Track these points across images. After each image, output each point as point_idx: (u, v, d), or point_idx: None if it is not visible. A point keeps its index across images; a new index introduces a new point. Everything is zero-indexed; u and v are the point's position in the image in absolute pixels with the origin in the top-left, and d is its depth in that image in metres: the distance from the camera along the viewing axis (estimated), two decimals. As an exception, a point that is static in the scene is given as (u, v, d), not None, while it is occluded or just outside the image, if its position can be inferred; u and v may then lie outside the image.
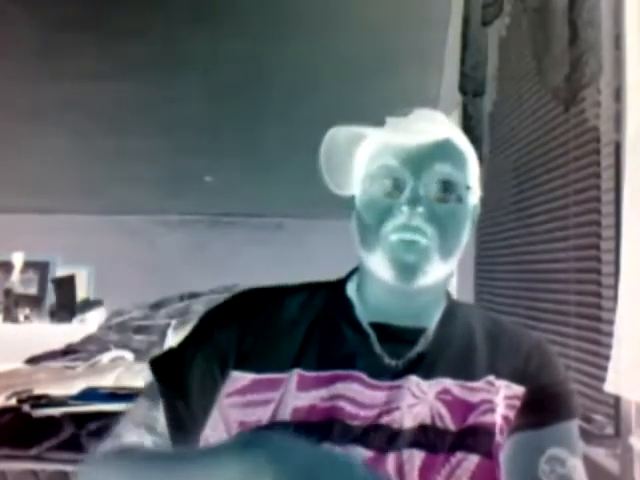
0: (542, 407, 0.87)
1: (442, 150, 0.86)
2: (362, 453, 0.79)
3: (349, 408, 0.82)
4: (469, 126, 2.40)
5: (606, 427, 1.51)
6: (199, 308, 3.34)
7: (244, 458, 0.67)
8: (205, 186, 4.93)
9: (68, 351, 3.21)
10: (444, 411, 0.83)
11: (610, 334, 1.35)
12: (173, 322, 3.17)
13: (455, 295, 0.97)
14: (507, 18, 2.39)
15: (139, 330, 3.40)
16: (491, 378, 0.87)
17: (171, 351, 0.94)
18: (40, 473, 1.91)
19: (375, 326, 0.89)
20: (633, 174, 1.30)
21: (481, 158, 2.42)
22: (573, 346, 1.75)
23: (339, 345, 0.88)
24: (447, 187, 0.85)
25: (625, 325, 1.27)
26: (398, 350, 0.87)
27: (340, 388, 0.84)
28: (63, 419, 2.00)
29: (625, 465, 1.39)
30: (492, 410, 0.84)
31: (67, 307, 4.77)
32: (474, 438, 0.82)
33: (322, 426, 0.81)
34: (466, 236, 0.89)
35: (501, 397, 0.86)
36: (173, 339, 2.93)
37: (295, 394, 0.84)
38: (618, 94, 1.47)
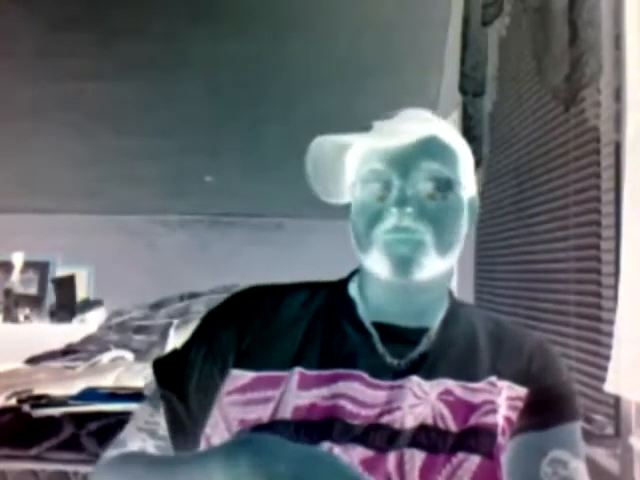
0: (545, 409, 0.87)
1: (427, 147, 0.86)
2: (362, 452, 0.79)
3: (350, 407, 0.82)
4: (469, 126, 2.40)
5: (606, 427, 1.51)
6: (199, 308, 3.34)
7: (229, 464, 0.69)
8: (205, 186, 4.93)
9: (68, 351, 3.20)
10: (446, 412, 0.83)
11: (610, 334, 1.35)
12: (175, 322, 3.17)
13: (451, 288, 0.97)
14: (507, 18, 2.39)
15: (139, 330, 3.40)
16: (493, 379, 0.87)
17: (174, 353, 0.94)
18: (40, 473, 1.91)
19: (377, 326, 0.89)
20: (633, 174, 1.30)
21: (481, 158, 2.44)
22: (573, 346, 1.75)
23: (341, 344, 0.88)
24: (436, 184, 0.85)
25: (625, 325, 1.27)
26: (400, 350, 0.87)
27: (341, 387, 0.84)
28: (63, 419, 2.00)
29: (625, 465, 1.39)
30: (494, 411, 0.84)
31: (67, 307, 4.77)
32: (475, 439, 0.82)
33: (323, 425, 0.81)
34: (463, 231, 0.90)
35: (503, 398, 0.86)
36: (175, 338, 2.93)
37: (296, 393, 0.84)
38: (618, 94, 1.47)
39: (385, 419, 0.82)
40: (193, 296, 3.62)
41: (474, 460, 0.80)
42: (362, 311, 0.91)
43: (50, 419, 2.01)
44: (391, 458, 0.79)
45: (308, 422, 0.82)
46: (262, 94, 3.81)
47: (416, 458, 0.79)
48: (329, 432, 0.80)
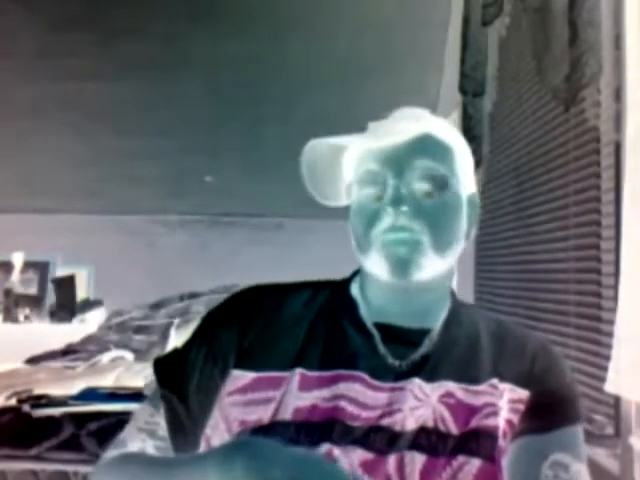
0: (547, 411, 0.86)
1: (421, 145, 0.86)
2: (362, 454, 0.79)
3: (350, 409, 0.82)
4: (469, 126, 2.40)
5: (606, 427, 1.51)
6: (199, 308, 3.34)
7: (225, 467, 0.69)
8: (205, 186, 4.93)
9: (68, 351, 3.20)
10: (447, 414, 0.83)
11: (610, 334, 1.35)
12: (176, 321, 3.17)
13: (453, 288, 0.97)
14: (507, 18, 2.39)
15: (139, 330, 3.39)
16: (495, 381, 0.86)
17: (174, 353, 0.94)
18: (40, 473, 1.91)
19: (379, 326, 0.89)
20: (633, 174, 1.30)
21: (481, 158, 2.43)
22: (573, 346, 1.75)
23: (342, 345, 0.88)
24: (431, 182, 0.85)
25: (625, 325, 1.27)
26: (402, 351, 0.87)
27: (342, 388, 0.83)
28: (63, 419, 2.00)
29: (625, 465, 1.39)
30: (495, 413, 0.84)
31: (67, 307, 4.76)
32: (476, 441, 0.81)
33: (323, 426, 0.81)
34: (462, 229, 0.89)
35: (505, 401, 0.85)
36: (176, 338, 2.93)
37: (297, 394, 0.83)
38: (618, 94, 1.47)
39: (386, 421, 0.82)
40: (193, 296, 3.62)
41: (475, 463, 0.80)
42: (364, 311, 0.91)
43: (50, 419, 2.01)
44: (391, 460, 0.79)
45: (309, 423, 0.81)
46: (262, 94, 3.81)
47: (416, 461, 0.79)
48: (329, 433, 0.80)
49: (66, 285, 4.86)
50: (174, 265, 5.26)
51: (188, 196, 5.10)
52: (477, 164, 2.06)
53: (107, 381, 2.50)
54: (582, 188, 1.74)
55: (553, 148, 1.98)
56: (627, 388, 1.27)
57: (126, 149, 4.36)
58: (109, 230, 5.30)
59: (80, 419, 2.00)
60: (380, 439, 0.80)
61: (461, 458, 0.80)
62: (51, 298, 5.05)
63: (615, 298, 1.35)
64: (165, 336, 3.07)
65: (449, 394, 0.84)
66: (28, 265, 5.16)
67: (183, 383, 0.89)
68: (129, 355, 3.04)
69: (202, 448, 0.87)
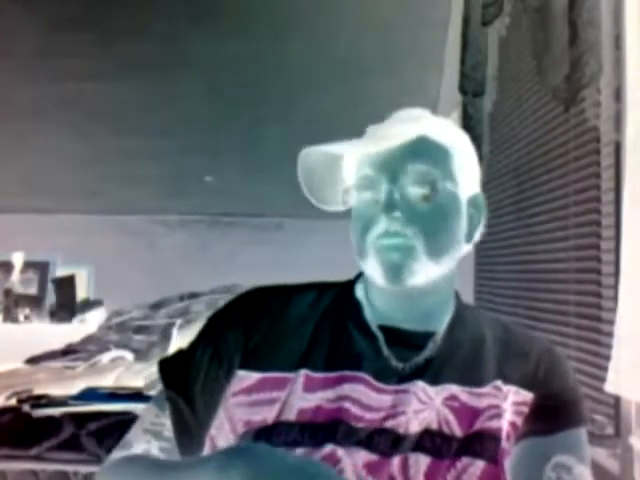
0: (550, 414, 0.86)
1: (416, 149, 0.85)
2: (367, 456, 0.79)
3: (354, 410, 0.82)
4: (469, 126, 2.40)
5: (606, 427, 1.51)
6: (199, 308, 3.34)
7: (222, 475, 0.70)
8: (205, 186, 4.92)
9: (68, 351, 3.20)
10: (451, 417, 0.83)
11: (610, 334, 1.35)
12: (178, 322, 3.17)
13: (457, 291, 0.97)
14: (507, 18, 2.39)
15: (139, 330, 3.39)
16: (499, 383, 0.86)
17: (179, 354, 0.94)
18: (40, 473, 1.91)
19: (384, 329, 0.89)
20: (633, 174, 1.30)
21: (481, 158, 2.43)
22: (573, 346, 1.75)
23: (346, 346, 0.88)
24: (426, 186, 0.84)
25: (625, 325, 1.27)
26: (406, 354, 0.87)
27: (346, 389, 0.84)
28: (63, 419, 2.00)
29: (625, 465, 1.39)
30: (498, 415, 0.84)
31: (67, 307, 4.76)
32: (480, 443, 0.81)
33: (327, 427, 0.81)
34: (461, 231, 0.88)
35: (509, 403, 0.85)
36: (178, 338, 2.92)
37: (301, 395, 0.83)
38: (618, 94, 1.47)
39: (390, 423, 0.82)
40: (193, 296, 3.61)
41: (478, 465, 0.80)
42: (368, 314, 0.91)
43: (50, 419, 2.00)
44: (395, 462, 0.79)
45: (313, 424, 0.82)
46: (262, 94, 3.81)
47: (421, 462, 0.79)
48: (334, 434, 0.80)
49: (66, 285, 4.86)
50: (174, 265, 5.25)
51: (188, 196, 5.10)
52: (477, 164, 2.06)
53: (107, 381, 2.50)
54: (582, 188, 1.74)
55: (553, 148, 1.98)
56: (627, 388, 1.27)
57: (126, 149, 4.35)
58: (109, 230, 5.29)
59: (80, 419, 2.00)
60: (384, 441, 0.80)
61: (465, 460, 0.80)
62: (51, 298, 5.05)
63: (615, 298, 1.35)
64: (166, 336, 3.07)
65: (453, 397, 0.84)
66: (28, 265, 5.15)
67: (189, 384, 0.89)
68: (129, 355, 3.04)
69: (207, 448, 0.87)
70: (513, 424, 0.85)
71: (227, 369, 0.88)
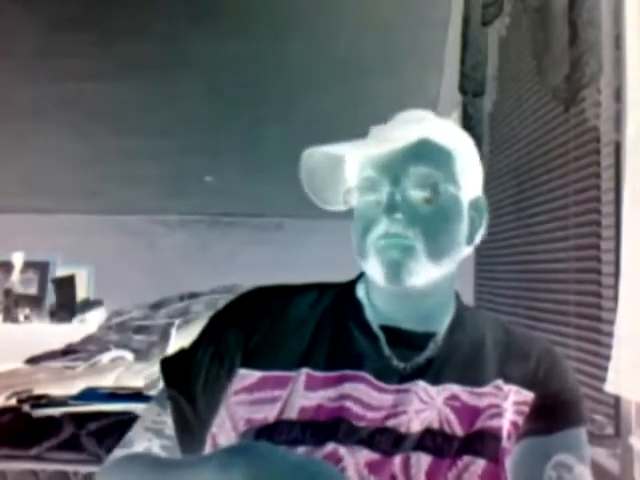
0: (551, 413, 0.87)
1: (417, 152, 0.85)
2: (368, 455, 0.80)
3: (356, 409, 0.83)
4: (469, 126, 2.40)
5: (606, 427, 1.51)
6: (199, 308, 3.34)
7: (223, 474, 0.70)
8: (205, 186, 4.92)
9: (68, 351, 3.20)
10: (452, 417, 0.83)
11: (610, 334, 1.35)
12: (177, 322, 3.17)
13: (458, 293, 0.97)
14: (507, 18, 2.39)
15: (139, 330, 3.39)
16: (499, 382, 0.87)
17: (181, 353, 0.94)
18: (40, 473, 1.91)
19: (384, 329, 0.89)
20: (633, 174, 1.30)
21: (481, 158, 2.43)
22: (573, 346, 1.75)
23: (348, 346, 0.88)
24: (427, 188, 0.84)
25: (625, 325, 1.27)
26: (406, 354, 0.87)
27: (347, 388, 0.84)
28: (63, 419, 2.00)
29: (625, 465, 1.39)
30: (499, 415, 0.84)
31: (67, 307, 4.76)
32: (481, 442, 0.82)
33: (329, 426, 0.81)
34: (462, 233, 0.89)
35: (510, 402, 0.86)
36: (176, 338, 2.92)
37: (303, 393, 0.84)
38: (618, 94, 1.47)
39: (391, 422, 0.82)
40: (193, 296, 3.61)
41: (480, 464, 0.81)
42: (369, 314, 0.91)
43: (50, 419, 2.01)
44: (397, 461, 0.79)
45: (314, 423, 0.82)
46: (262, 94, 3.81)
47: (422, 461, 0.80)
48: (335, 433, 0.81)
49: (66, 285, 4.86)
50: (174, 265, 5.25)
51: (188, 196, 5.10)
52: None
53: (107, 381, 2.50)
54: (582, 188, 1.74)
55: (553, 148, 1.98)
56: (627, 388, 1.27)
57: (126, 149, 4.35)
58: (109, 230, 5.29)
59: (80, 419, 2.00)
60: (385, 440, 0.81)
61: (466, 458, 0.81)
62: (51, 298, 5.05)
63: (615, 298, 1.35)
64: (165, 336, 3.07)
65: (454, 397, 0.85)
66: (28, 265, 5.15)
67: (190, 383, 0.89)
68: (129, 355, 3.04)
69: (208, 446, 0.87)
70: (514, 423, 0.85)
71: (228, 368, 0.88)
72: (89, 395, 2.18)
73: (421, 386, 0.84)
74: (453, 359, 0.88)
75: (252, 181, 4.67)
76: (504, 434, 0.84)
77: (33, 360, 3.05)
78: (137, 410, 1.88)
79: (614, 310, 1.33)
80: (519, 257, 2.32)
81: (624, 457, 1.40)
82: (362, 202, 0.87)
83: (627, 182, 1.32)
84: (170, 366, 0.93)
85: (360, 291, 0.94)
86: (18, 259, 5.01)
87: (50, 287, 5.12)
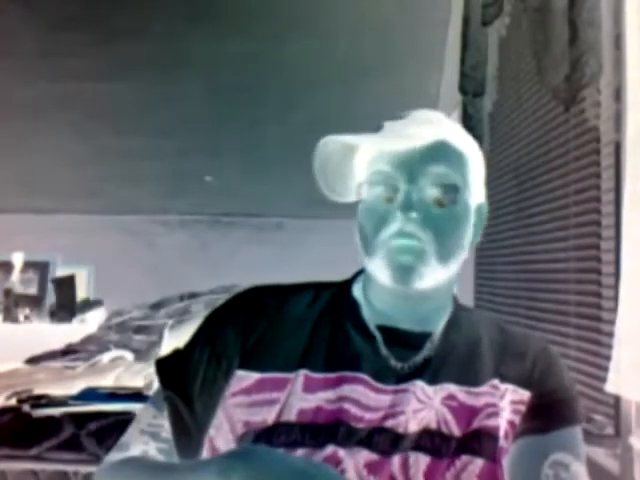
0: (547, 412, 0.87)
1: (436, 152, 0.85)
2: (367, 456, 0.80)
3: (354, 410, 0.82)
4: (469, 126, 2.40)
5: (606, 427, 1.51)
6: (199, 308, 3.35)
7: (223, 478, 0.69)
8: (205, 186, 4.93)
9: (68, 351, 3.21)
10: (449, 417, 0.83)
11: (610, 334, 1.35)
12: (169, 322, 3.17)
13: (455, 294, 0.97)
14: (507, 18, 2.39)
15: (139, 330, 3.40)
16: (496, 382, 0.87)
17: (177, 353, 0.93)
18: (40, 473, 1.91)
19: (381, 329, 0.89)
20: (633, 174, 1.30)
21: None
22: (573, 346, 1.75)
23: (345, 346, 0.88)
24: (443, 190, 0.84)
25: (625, 325, 1.27)
26: (403, 354, 0.87)
27: (346, 390, 0.84)
28: (63, 419, 2.00)
29: (625, 465, 1.39)
30: (496, 414, 0.84)
31: (67, 307, 4.76)
32: (478, 442, 0.82)
33: (328, 428, 0.81)
34: (467, 239, 0.88)
35: (507, 401, 0.86)
36: (169, 339, 2.92)
37: (301, 395, 0.83)
38: (618, 94, 1.47)
39: (389, 423, 0.82)
40: (193, 296, 3.62)
41: (477, 463, 0.81)
42: (366, 313, 0.91)
43: (50, 419, 2.01)
44: (396, 461, 0.80)
45: (313, 425, 0.82)
46: (262, 94, 3.81)
47: (420, 462, 0.80)
48: (334, 435, 0.81)
49: (66, 285, 4.86)
50: (174, 265, 5.26)
51: (188, 196, 5.10)
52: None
53: (107, 381, 2.50)
54: (582, 188, 1.74)
55: (553, 148, 1.98)
56: (627, 388, 1.27)
57: (126, 149, 4.36)
58: (109, 230, 5.30)
59: (80, 419, 2.00)
60: (384, 440, 0.81)
61: (464, 458, 0.81)
62: (51, 298, 5.05)
63: (615, 298, 1.35)
64: (163, 336, 3.07)
65: (451, 397, 0.85)
66: (28, 265, 5.16)
67: (187, 385, 0.89)
68: (129, 355, 3.04)
69: (205, 449, 0.87)
70: (511, 422, 0.86)
71: (226, 370, 0.88)
72: (89, 395, 2.18)
73: (419, 386, 0.84)
74: (450, 359, 0.88)
75: (252, 181, 4.67)
76: (501, 433, 0.84)
77: (33, 360, 3.05)
78: (137, 410, 1.88)
79: (614, 310, 1.33)
80: (519, 257, 2.32)
81: (624, 457, 1.40)
82: (372, 196, 0.86)
83: (627, 182, 1.32)
84: (166, 367, 0.92)
85: (356, 290, 0.94)
86: (18, 259, 5.02)
87: (50, 287, 5.12)
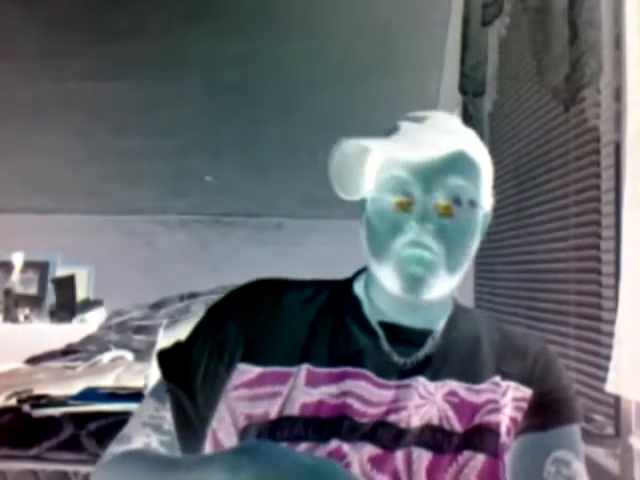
0: (547, 410, 0.88)
1: (454, 164, 0.84)
2: (371, 450, 0.80)
3: (357, 405, 0.83)
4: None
5: (606, 427, 1.51)
6: (199, 308, 3.34)
7: (231, 475, 0.68)
8: (205, 186, 4.92)
9: (68, 351, 3.21)
10: (451, 413, 0.84)
11: (610, 334, 1.35)
12: (164, 322, 3.17)
13: (455, 295, 0.98)
14: (507, 18, 2.39)
15: (139, 330, 3.40)
16: (497, 379, 0.88)
17: (178, 346, 0.93)
18: (40, 473, 1.91)
19: (383, 325, 0.89)
20: (633, 174, 1.30)
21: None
22: (573, 346, 1.75)
23: (347, 342, 0.88)
24: (457, 202, 0.84)
25: (625, 325, 1.27)
26: (406, 350, 0.88)
27: (349, 385, 0.84)
28: (63, 419, 2.00)
29: (625, 465, 1.39)
30: (497, 410, 0.85)
31: (67, 307, 4.76)
32: (480, 437, 0.83)
33: (332, 422, 0.82)
34: (474, 248, 0.89)
35: (509, 398, 0.87)
36: (163, 339, 2.92)
37: (303, 389, 0.84)
38: (618, 94, 1.47)
39: (392, 417, 0.83)
40: (193, 296, 3.62)
41: (479, 459, 0.82)
42: (367, 310, 0.91)
43: (50, 419, 2.00)
44: (399, 456, 0.80)
45: (317, 419, 0.82)
46: (262, 94, 3.81)
47: (423, 457, 0.80)
48: (338, 430, 0.81)
49: (66, 285, 4.86)
50: (174, 265, 5.25)
51: (188, 196, 5.10)
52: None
53: (107, 381, 2.50)
54: (582, 188, 1.74)
55: (553, 148, 1.98)
56: (627, 388, 1.27)
57: (126, 149, 4.35)
58: (109, 230, 5.29)
59: (80, 419, 2.00)
60: (387, 435, 0.81)
61: (466, 454, 0.82)
62: (51, 298, 5.05)
63: (615, 298, 1.35)
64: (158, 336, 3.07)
65: (453, 393, 0.86)
66: (28, 265, 5.15)
67: (189, 378, 0.89)
68: (129, 355, 3.04)
69: (208, 441, 0.87)
70: (513, 419, 0.87)
71: (228, 362, 0.88)
72: (89, 395, 2.18)
73: (421, 382, 0.85)
74: (451, 356, 0.89)
75: (252, 181, 4.67)
76: (503, 429, 0.85)
77: (33, 360, 3.05)
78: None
79: (614, 310, 1.33)
80: (519, 257, 2.32)
81: (624, 457, 1.40)
82: (386, 201, 0.85)
83: (627, 182, 1.32)
84: (168, 360, 0.92)
85: (357, 288, 0.95)
86: (18, 259, 5.01)
87: (50, 287, 5.11)
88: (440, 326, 0.91)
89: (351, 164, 0.87)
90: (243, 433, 0.83)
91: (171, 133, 4.20)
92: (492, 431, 0.84)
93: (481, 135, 2.60)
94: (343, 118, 3.38)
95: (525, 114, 2.27)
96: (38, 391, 2.24)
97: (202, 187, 4.94)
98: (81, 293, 5.07)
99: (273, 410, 0.83)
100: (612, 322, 1.33)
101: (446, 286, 0.86)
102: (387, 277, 0.85)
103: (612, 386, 1.30)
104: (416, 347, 0.88)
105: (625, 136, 1.37)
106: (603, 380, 1.33)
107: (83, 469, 1.90)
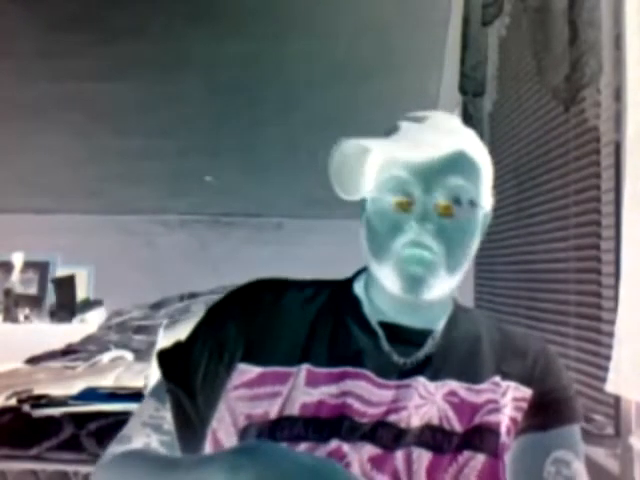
0: (548, 410, 0.88)
1: (454, 164, 0.84)
2: (371, 450, 0.80)
3: (357, 405, 0.83)
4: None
5: (606, 427, 1.51)
6: (199, 308, 3.34)
7: (231, 475, 0.68)
8: (205, 186, 4.92)
9: (68, 351, 3.21)
10: (451, 413, 0.84)
11: (610, 334, 1.35)
12: (164, 322, 3.17)
13: (454, 295, 0.98)
14: (507, 18, 2.39)
15: (139, 330, 3.40)
16: (497, 379, 0.88)
17: (178, 346, 0.94)
18: (40, 473, 1.91)
19: (383, 325, 0.90)
20: (633, 174, 1.30)
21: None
22: (573, 346, 1.75)
23: (347, 342, 0.88)
24: (457, 202, 0.84)
25: (625, 325, 1.27)
26: (406, 350, 0.88)
27: (349, 385, 0.84)
28: (63, 419, 2.00)
29: (625, 465, 1.39)
30: (497, 410, 0.85)
31: (67, 307, 4.76)
32: (480, 437, 0.83)
33: (332, 422, 0.82)
34: (474, 248, 0.89)
35: (509, 398, 0.87)
36: (163, 339, 2.92)
37: (303, 389, 0.84)
38: (618, 94, 1.47)
39: (392, 417, 0.83)
40: (193, 296, 3.62)
41: (479, 459, 0.82)
42: (367, 310, 0.91)
43: (50, 419, 2.00)
44: (399, 456, 0.80)
45: (317, 419, 0.82)
46: (262, 94, 3.81)
47: (423, 457, 0.81)
48: (338, 430, 0.81)
49: (66, 285, 4.86)
50: (174, 265, 5.25)
51: (188, 196, 5.10)
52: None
53: (107, 381, 2.51)
54: (582, 188, 1.74)
55: (553, 148, 1.98)
56: (627, 388, 1.27)
57: (126, 149, 4.35)
58: (109, 230, 5.29)
59: (80, 419, 2.00)
60: (387, 435, 0.81)
61: (466, 454, 0.82)
62: (51, 298, 5.05)
63: (615, 298, 1.35)
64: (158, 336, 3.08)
65: (453, 393, 0.86)
66: (28, 265, 5.15)
67: (189, 378, 0.89)
68: (129, 355, 3.04)
69: (208, 441, 0.87)
70: (513, 419, 0.87)
71: (228, 362, 0.88)
72: (89, 395, 2.18)
73: (421, 382, 0.85)
74: (451, 356, 0.89)
75: (252, 181, 4.67)
76: (503, 429, 0.85)
77: (33, 360, 3.05)
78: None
79: (614, 310, 1.33)
80: (519, 257, 2.32)
81: (624, 457, 1.40)
82: (386, 201, 0.85)
83: (627, 182, 1.32)
84: (167, 359, 0.92)
85: (357, 288, 0.95)
86: (18, 259, 5.01)
87: (50, 287, 5.12)
88: (440, 326, 0.91)
89: (351, 164, 0.87)
90: (243, 433, 0.83)
91: (171, 133, 4.20)
92: (492, 431, 0.84)
93: (481, 135, 2.60)
94: (343, 118, 3.38)
95: (525, 114, 2.27)
96: (38, 391, 2.24)
97: (202, 187, 4.94)
98: (81, 293, 5.07)
99: (273, 410, 0.83)
100: (612, 322, 1.33)
101: (446, 286, 0.87)
102: (387, 277, 0.85)
103: (612, 386, 1.30)
104: (416, 347, 0.88)
105: (625, 136, 1.37)
106: (603, 380, 1.33)
107: (83, 469, 1.90)
